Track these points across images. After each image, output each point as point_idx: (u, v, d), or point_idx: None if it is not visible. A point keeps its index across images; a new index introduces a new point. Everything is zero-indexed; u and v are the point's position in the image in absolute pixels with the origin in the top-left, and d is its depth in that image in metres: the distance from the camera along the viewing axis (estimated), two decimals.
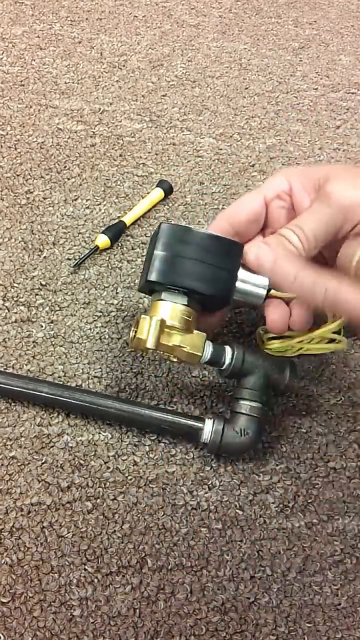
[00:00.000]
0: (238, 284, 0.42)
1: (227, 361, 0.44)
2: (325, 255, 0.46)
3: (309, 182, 0.43)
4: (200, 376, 0.49)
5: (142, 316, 0.41)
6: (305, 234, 0.40)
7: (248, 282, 0.42)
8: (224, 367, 0.44)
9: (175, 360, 0.43)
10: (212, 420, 0.44)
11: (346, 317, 0.38)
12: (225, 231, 0.44)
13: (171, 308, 0.42)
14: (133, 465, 0.45)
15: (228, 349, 0.44)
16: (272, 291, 0.43)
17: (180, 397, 0.48)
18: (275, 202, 0.45)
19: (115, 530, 0.43)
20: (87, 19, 0.76)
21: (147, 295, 0.52)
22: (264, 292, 0.42)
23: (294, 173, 0.45)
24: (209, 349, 0.43)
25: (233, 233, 0.45)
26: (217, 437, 0.43)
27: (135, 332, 0.41)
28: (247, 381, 0.44)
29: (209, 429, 0.44)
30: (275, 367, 0.44)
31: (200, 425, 0.44)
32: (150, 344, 0.40)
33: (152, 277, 0.41)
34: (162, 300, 0.42)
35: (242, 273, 0.42)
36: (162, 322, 0.41)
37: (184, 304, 0.42)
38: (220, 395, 0.49)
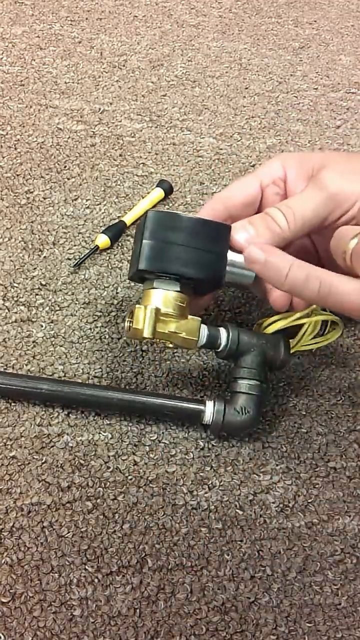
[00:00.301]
0: (228, 266, 0.42)
1: (223, 342, 0.44)
2: (315, 243, 0.46)
3: (303, 170, 0.43)
4: (200, 376, 0.49)
5: (137, 306, 0.41)
6: (293, 214, 0.40)
7: (238, 263, 0.42)
8: (220, 348, 0.44)
9: (171, 346, 0.43)
10: (212, 401, 0.44)
11: (340, 309, 0.38)
12: (219, 214, 0.44)
13: (164, 295, 0.42)
14: (133, 465, 0.45)
15: (223, 330, 0.44)
16: None
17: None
18: (270, 188, 0.45)
19: (115, 530, 0.43)
20: (87, 18, 0.76)
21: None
22: (253, 273, 0.43)
23: (290, 159, 0.45)
24: (204, 332, 0.44)
25: (226, 216, 0.45)
26: (219, 418, 0.44)
27: (131, 322, 0.42)
28: (243, 360, 0.44)
29: (210, 410, 0.44)
30: (269, 344, 0.45)
31: (201, 407, 0.44)
32: (147, 333, 0.40)
33: (143, 265, 0.41)
34: (154, 288, 0.42)
35: (231, 254, 0.42)
36: (157, 310, 0.41)
37: (176, 291, 0.42)
38: (220, 395, 0.49)
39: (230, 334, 0.44)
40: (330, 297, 0.37)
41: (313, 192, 0.41)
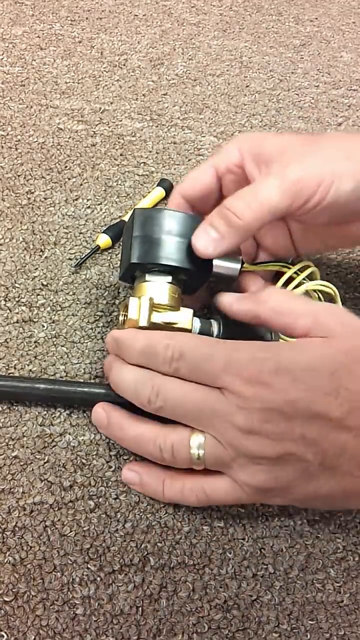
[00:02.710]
0: (215, 260, 0.43)
1: (215, 334, 0.45)
2: (289, 227, 0.46)
3: (261, 155, 0.43)
4: None
5: (131, 298, 0.42)
6: (256, 201, 0.39)
7: (224, 258, 0.43)
8: None
9: None
10: None
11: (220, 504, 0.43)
12: (182, 207, 0.45)
13: (157, 287, 0.43)
14: None
15: (214, 322, 0.45)
16: (245, 265, 0.44)
17: None
18: (228, 177, 0.45)
19: (117, 529, 0.43)
20: (87, 18, 0.76)
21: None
22: (238, 265, 0.44)
23: (246, 142, 0.44)
24: (197, 324, 0.44)
25: (190, 207, 0.46)
26: None
27: (125, 315, 0.42)
28: None
29: None
30: (258, 333, 0.45)
31: None
32: (143, 322, 0.41)
33: (135, 259, 0.42)
34: (146, 281, 0.43)
35: None
36: (151, 300, 0.42)
37: (168, 282, 0.43)
38: None
39: (222, 325, 0.44)
40: (210, 500, 0.40)
41: (274, 179, 0.40)
